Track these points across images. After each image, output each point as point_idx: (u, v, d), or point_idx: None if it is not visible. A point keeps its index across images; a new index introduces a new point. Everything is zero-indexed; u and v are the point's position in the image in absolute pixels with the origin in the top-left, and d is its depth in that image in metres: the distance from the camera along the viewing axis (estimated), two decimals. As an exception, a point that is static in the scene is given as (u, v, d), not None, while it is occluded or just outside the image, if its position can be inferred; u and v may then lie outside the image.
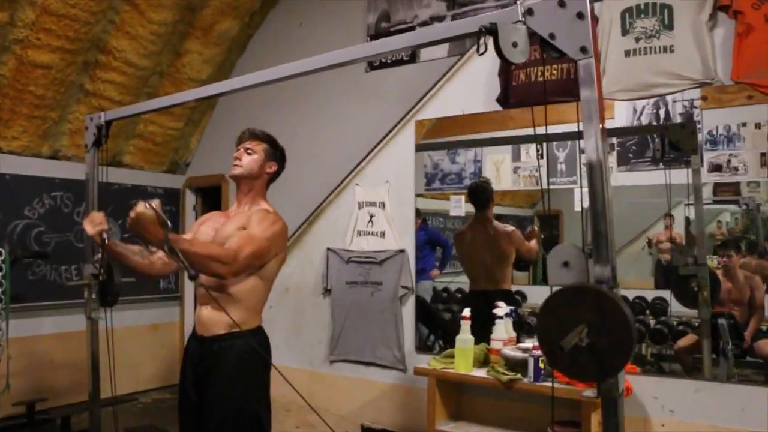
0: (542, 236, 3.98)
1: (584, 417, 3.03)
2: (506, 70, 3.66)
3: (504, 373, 3.23)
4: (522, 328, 3.74)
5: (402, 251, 4.01)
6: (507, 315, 3.51)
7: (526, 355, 3.22)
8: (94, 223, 2.62)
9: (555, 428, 3.12)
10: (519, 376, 3.21)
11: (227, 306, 2.58)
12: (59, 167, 5.79)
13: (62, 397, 5.72)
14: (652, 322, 3.62)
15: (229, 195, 6.52)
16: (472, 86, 3.82)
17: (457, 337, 3.40)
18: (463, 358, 3.37)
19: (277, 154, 2.85)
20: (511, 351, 3.32)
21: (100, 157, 3.75)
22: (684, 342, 3.47)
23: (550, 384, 3.04)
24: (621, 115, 3.58)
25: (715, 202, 3.53)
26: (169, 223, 2.18)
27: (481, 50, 1.69)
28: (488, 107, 3.77)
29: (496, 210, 4.06)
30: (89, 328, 3.64)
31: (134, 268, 2.78)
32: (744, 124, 3.29)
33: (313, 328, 4.30)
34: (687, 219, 3.57)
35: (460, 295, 4.23)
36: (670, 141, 3.56)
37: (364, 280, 4.05)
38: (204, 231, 2.77)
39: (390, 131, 4.04)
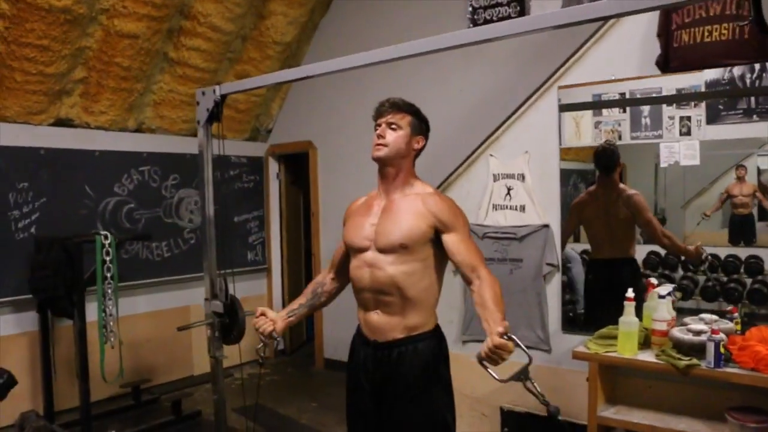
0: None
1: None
2: (667, 30, 3.29)
3: (680, 359, 2.94)
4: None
5: (546, 226, 3.69)
6: (669, 294, 3.21)
7: (703, 338, 2.92)
8: (261, 331, 2.57)
9: (734, 415, 2.85)
10: (695, 361, 2.92)
11: (405, 310, 2.35)
12: (145, 140, 5.60)
13: (162, 376, 5.64)
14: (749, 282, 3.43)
15: (318, 163, 6.27)
16: (625, 49, 3.43)
17: (621, 319, 3.11)
18: (628, 341, 3.09)
19: (423, 126, 2.49)
20: (683, 334, 3.02)
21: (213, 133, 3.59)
22: None
23: (731, 370, 2.79)
24: (710, 70, 3.25)
25: None
26: (530, 356, 1.98)
27: None
28: (643, 71, 3.38)
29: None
30: (213, 367, 3.41)
31: (319, 309, 2.89)
32: None
33: (443, 308, 4.02)
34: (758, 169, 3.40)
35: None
36: None
37: (502, 257, 3.76)
38: (357, 228, 2.46)
39: (528, 98, 3.69)
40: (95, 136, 5.21)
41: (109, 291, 4.31)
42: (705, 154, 3.40)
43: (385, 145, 2.38)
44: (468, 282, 2.28)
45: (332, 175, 6.18)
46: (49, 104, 4.83)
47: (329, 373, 6.21)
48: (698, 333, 2.98)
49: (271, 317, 2.55)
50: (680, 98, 3.41)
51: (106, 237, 4.29)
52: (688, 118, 3.43)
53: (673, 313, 3.22)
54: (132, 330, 5.19)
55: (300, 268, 7.12)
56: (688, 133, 3.43)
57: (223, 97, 3.46)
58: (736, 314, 3.19)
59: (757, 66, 3.21)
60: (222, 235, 3.35)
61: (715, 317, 3.11)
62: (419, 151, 2.48)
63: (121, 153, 5.37)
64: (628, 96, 3.55)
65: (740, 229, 3.64)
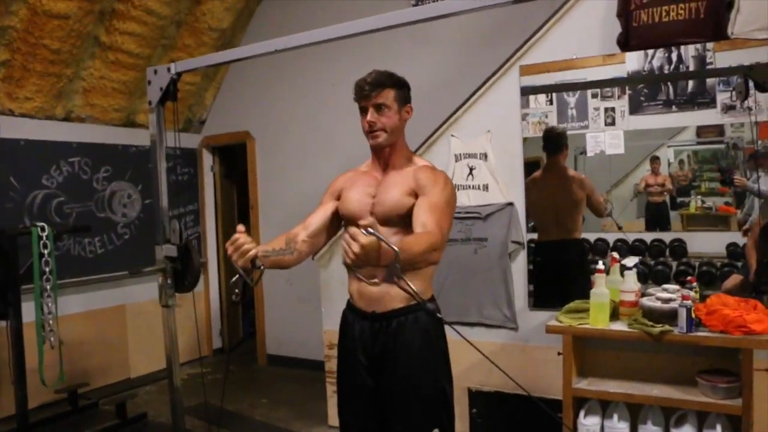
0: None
1: (744, 364, 2.85)
2: (626, 10, 3.35)
3: (653, 326, 3.01)
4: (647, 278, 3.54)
5: (510, 204, 3.69)
6: (635, 266, 3.28)
7: (674, 305, 3.00)
8: (241, 252, 2.10)
9: (704, 377, 2.94)
10: (668, 327, 2.99)
11: (406, 278, 2.28)
12: (74, 129, 5.27)
13: (98, 380, 5.33)
14: (675, 264, 3.61)
15: (256, 154, 6.10)
16: (586, 28, 3.48)
17: (593, 291, 3.14)
18: (601, 313, 3.12)
19: (407, 92, 2.40)
20: (652, 302, 3.09)
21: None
22: (730, 283, 3.36)
23: (703, 334, 2.87)
24: (632, 60, 3.45)
25: (699, 143, 3.53)
26: (397, 250, 1.77)
27: None
28: (605, 50, 3.44)
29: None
30: (165, 315, 3.28)
31: (286, 267, 2.41)
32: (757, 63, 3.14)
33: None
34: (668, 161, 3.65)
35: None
36: (755, 82, 3.35)
37: (465, 237, 3.73)
38: (356, 198, 2.38)
39: (490, 77, 3.68)
40: (20, 125, 4.85)
41: (48, 287, 4.01)
42: (628, 143, 3.58)
43: (382, 130, 2.30)
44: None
45: (272, 167, 6.02)
46: (-33, 89, 4.49)
47: (274, 368, 6.05)
48: (667, 301, 3.05)
49: (249, 240, 2.19)
50: (643, 80, 3.49)
51: (43, 229, 4.00)
52: (613, 109, 3.59)
53: (639, 285, 3.29)
54: (64, 332, 4.86)
55: (236, 264, 6.88)
56: (613, 123, 3.58)
57: (179, 74, 3.28)
58: (695, 284, 3.28)
59: (674, 57, 3.38)
60: (158, 230, 3.18)
61: (677, 287, 3.20)
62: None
63: (49, 143, 5.03)
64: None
65: (656, 217, 3.78)
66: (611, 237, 3.79)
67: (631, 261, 3.29)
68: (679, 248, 3.66)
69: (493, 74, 3.68)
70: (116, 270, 5.49)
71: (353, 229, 1.70)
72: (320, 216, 2.49)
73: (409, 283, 1.82)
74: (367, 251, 1.70)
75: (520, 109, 3.67)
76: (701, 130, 3.49)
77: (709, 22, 3.19)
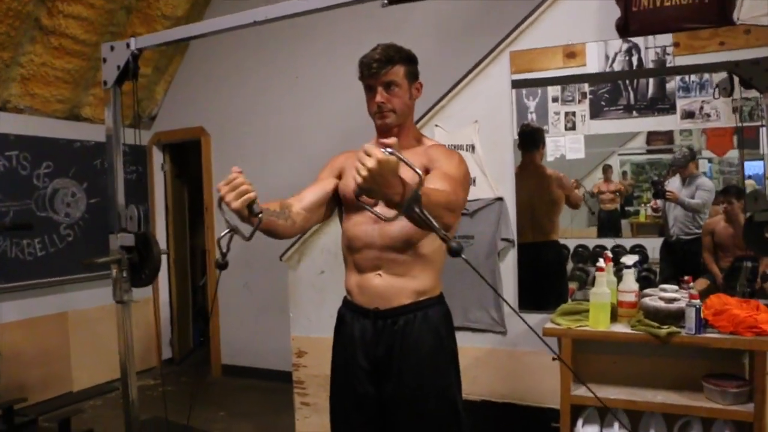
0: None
1: (757, 367, 2.69)
2: (624, -7, 3.22)
3: (659, 327, 2.82)
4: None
5: (500, 199, 3.47)
6: (634, 264, 3.10)
7: (681, 305, 2.83)
8: (239, 192, 1.70)
9: (712, 381, 2.77)
10: (675, 329, 2.81)
11: (414, 270, 2.05)
12: (12, 121, 4.83)
13: (36, 395, 4.86)
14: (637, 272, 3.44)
15: (211, 150, 5.74)
16: (581, 13, 3.32)
17: (593, 291, 2.95)
18: (602, 314, 2.92)
19: (416, 67, 2.17)
20: (656, 303, 2.91)
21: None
22: (697, 287, 3.25)
23: (713, 335, 2.71)
24: (593, 62, 3.38)
25: (649, 151, 3.57)
26: (420, 172, 1.46)
27: None
28: (602, 36, 3.28)
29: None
30: (120, 313, 2.95)
31: (278, 234, 2.01)
32: (716, 72, 3.21)
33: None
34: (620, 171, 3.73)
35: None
36: (741, 78, 3.27)
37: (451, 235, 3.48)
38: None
39: (478, 64, 3.46)
40: (-50, 113, 4.40)
41: (-17, 291, 3.58)
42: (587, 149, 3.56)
43: (392, 111, 2.06)
44: None
45: (228, 164, 5.53)
46: None
47: (229, 380, 5.68)
48: (672, 301, 2.88)
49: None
50: (634, 75, 3.35)
51: (-22, 226, 3.57)
52: (573, 114, 3.51)
53: (637, 285, 3.11)
54: (-1, 342, 4.45)
55: (186, 268, 6.50)
56: (573, 127, 3.51)
57: (140, 51, 2.96)
58: (692, 283, 3.14)
59: (635, 61, 3.29)
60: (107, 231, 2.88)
61: (676, 287, 3.04)
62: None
63: (-19, 135, 4.58)
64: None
65: (608, 224, 3.75)
66: (571, 243, 3.71)
67: (630, 259, 3.11)
68: (640, 254, 3.58)
69: (481, 61, 3.46)
70: (58, 274, 5.07)
71: (368, 145, 1.42)
72: (318, 190, 2.17)
73: (432, 221, 1.49)
74: (383, 170, 1.40)
75: (512, 97, 3.46)
76: (652, 138, 3.50)
77: (713, 7, 3.09)
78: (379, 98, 2.05)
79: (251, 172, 5.73)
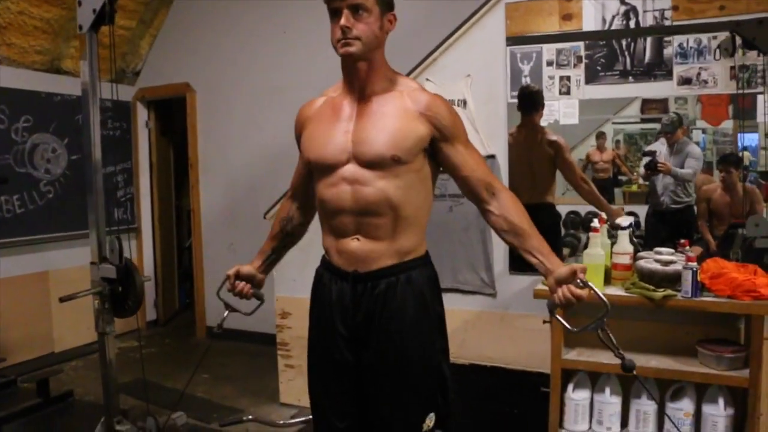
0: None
1: (754, 332, 2.61)
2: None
3: (654, 290, 2.73)
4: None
5: (492, 157, 3.35)
6: (630, 225, 3.01)
7: (677, 267, 2.73)
8: (245, 294, 2.23)
9: (707, 347, 2.69)
10: (671, 292, 2.72)
11: (396, 232, 1.87)
12: (-14, 72, 4.64)
13: (16, 355, 4.77)
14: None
15: (197, 107, 5.58)
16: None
17: (586, 252, 2.85)
18: (596, 276, 2.82)
19: None
20: (651, 265, 2.82)
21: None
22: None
23: (710, 299, 2.63)
24: (590, 25, 3.35)
25: (643, 120, 3.54)
26: (608, 304, 1.77)
27: None
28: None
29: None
30: (103, 346, 2.85)
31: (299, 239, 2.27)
32: (715, 37, 3.15)
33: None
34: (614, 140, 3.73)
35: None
36: (744, 39, 3.16)
37: (440, 193, 3.34)
38: (326, 138, 1.90)
39: (472, 16, 3.31)
40: (-77, 62, 4.22)
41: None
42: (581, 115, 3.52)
43: (357, 38, 1.80)
44: (481, 201, 1.88)
45: (214, 121, 5.51)
46: None
47: (214, 342, 5.57)
48: (668, 263, 2.79)
49: (245, 273, 2.22)
50: (632, 33, 3.27)
51: (-50, 179, 3.43)
52: (568, 78, 3.44)
53: (631, 248, 3.02)
54: (-23, 300, 4.33)
55: (171, 227, 6.39)
56: (568, 92, 3.44)
57: (114, -8, 2.79)
58: (688, 247, 3.05)
59: (632, 24, 3.24)
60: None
61: (672, 250, 2.95)
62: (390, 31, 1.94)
63: (-44, 86, 4.41)
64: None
65: (601, 192, 3.65)
66: (563, 209, 3.68)
67: (625, 221, 3.02)
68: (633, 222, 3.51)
69: (476, 12, 3.31)
70: (39, 233, 4.95)
71: (580, 292, 1.75)
72: (299, 173, 2.11)
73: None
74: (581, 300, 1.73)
75: (506, 51, 3.32)
76: (646, 106, 3.46)
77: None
78: (343, 21, 1.79)
79: (238, 130, 5.63)
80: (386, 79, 1.91)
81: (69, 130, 5.15)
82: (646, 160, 3.42)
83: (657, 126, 3.45)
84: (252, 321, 5.29)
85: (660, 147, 3.41)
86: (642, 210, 3.58)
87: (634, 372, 1.80)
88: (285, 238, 2.20)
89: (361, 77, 1.88)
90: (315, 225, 2.08)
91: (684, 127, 3.36)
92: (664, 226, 3.49)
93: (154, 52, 5.82)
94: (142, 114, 5.95)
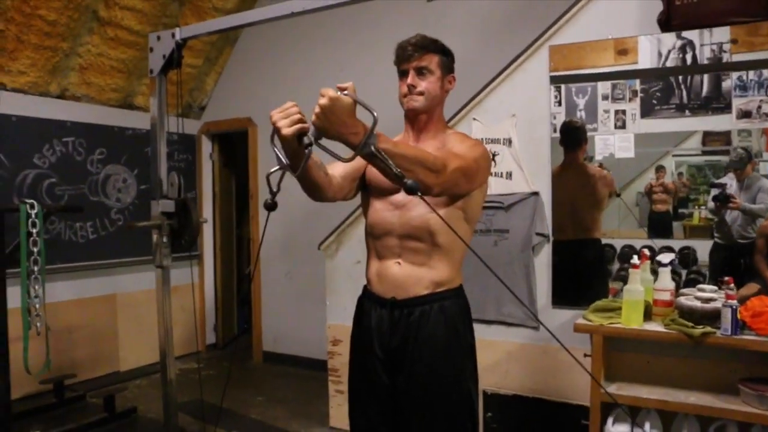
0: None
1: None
2: (668, -13, 3.15)
3: (693, 327, 2.77)
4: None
5: (535, 194, 3.46)
6: (671, 262, 3.05)
7: (717, 305, 2.77)
8: (291, 119, 1.62)
9: (749, 386, 2.70)
10: (710, 329, 2.76)
11: (433, 260, 2.05)
12: (69, 108, 5.01)
13: (85, 372, 5.05)
14: (685, 273, 3.46)
15: (258, 140, 5.85)
16: (622, 7, 3.29)
17: (626, 287, 2.92)
18: (634, 312, 2.89)
19: (451, 62, 2.17)
20: (692, 302, 2.86)
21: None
22: (746, 291, 3.09)
23: (750, 337, 2.64)
24: (645, 60, 3.32)
25: (704, 152, 3.43)
26: (374, 112, 1.50)
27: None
28: (642, 30, 3.24)
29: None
30: (159, 278, 3.08)
31: (317, 187, 1.97)
32: None
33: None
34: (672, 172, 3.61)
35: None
36: None
37: (486, 228, 3.49)
38: None
39: (517, 58, 3.45)
40: (13, 100, 4.58)
41: (36, 269, 3.73)
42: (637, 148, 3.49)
43: (421, 94, 2.06)
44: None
45: (274, 155, 5.74)
46: (-42, 60, 4.22)
47: (270, 366, 5.79)
48: (708, 300, 2.83)
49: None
50: (684, 71, 3.26)
51: (32, 206, 3.72)
52: (623, 112, 3.45)
53: (672, 284, 3.06)
54: (52, 320, 4.59)
55: (232, 256, 6.65)
56: (623, 126, 3.45)
57: (184, 41, 3.05)
58: (732, 284, 3.06)
59: (689, 59, 3.22)
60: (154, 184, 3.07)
61: (713, 287, 2.97)
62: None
63: (42, 120, 4.77)
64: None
65: (659, 226, 3.65)
66: (618, 243, 3.62)
67: (666, 257, 3.05)
68: (688, 256, 3.51)
69: (520, 55, 3.45)
70: (108, 257, 5.25)
71: (324, 88, 1.50)
72: (345, 166, 2.11)
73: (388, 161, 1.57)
74: (336, 107, 1.49)
75: (551, 93, 3.43)
76: (708, 138, 3.38)
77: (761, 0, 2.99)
78: (410, 80, 2.06)
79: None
80: (439, 130, 2.16)
81: (139, 161, 5.48)
82: (714, 192, 3.36)
83: (722, 158, 3.38)
84: (304, 347, 5.52)
85: (729, 181, 3.35)
86: (700, 244, 3.51)
87: (419, 194, 1.54)
88: (320, 167, 1.98)
89: (420, 126, 2.14)
90: (364, 261, 2.23)
91: (753, 162, 3.28)
92: (730, 261, 3.43)
93: (218, 88, 6.14)
94: (206, 146, 6.27)
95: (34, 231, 3.69)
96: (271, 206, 1.63)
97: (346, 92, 1.52)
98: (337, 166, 2.10)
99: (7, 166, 4.53)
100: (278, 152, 1.68)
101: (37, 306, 3.75)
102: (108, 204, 5.28)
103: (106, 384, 4.93)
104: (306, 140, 1.60)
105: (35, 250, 3.70)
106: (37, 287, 3.73)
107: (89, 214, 5.08)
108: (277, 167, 1.68)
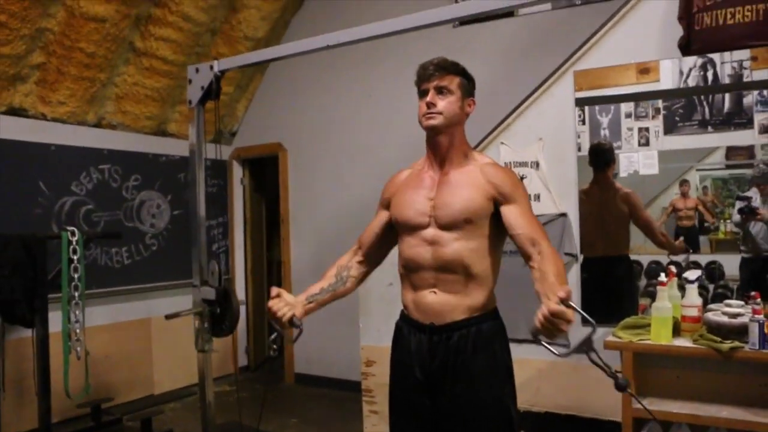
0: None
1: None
2: (688, 13, 3.20)
3: (721, 342, 2.80)
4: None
5: (563, 215, 3.52)
6: (697, 279, 3.08)
7: (744, 320, 2.80)
8: (281, 314, 2.14)
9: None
10: (738, 344, 2.78)
11: (468, 288, 2.11)
12: (105, 136, 5.19)
13: (121, 395, 5.15)
14: (712, 288, 3.48)
15: (288, 165, 5.97)
16: (644, 32, 3.36)
17: (655, 305, 2.96)
18: (663, 328, 2.92)
19: (472, 86, 2.22)
20: (719, 317, 2.88)
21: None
22: None
23: (778, 351, 2.67)
24: (667, 78, 3.35)
25: (728, 167, 3.45)
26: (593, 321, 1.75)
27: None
28: (663, 55, 3.30)
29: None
30: (200, 360, 3.13)
31: (343, 296, 2.36)
32: None
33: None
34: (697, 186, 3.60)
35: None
36: None
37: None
38: (411, 202, 2.18)
39: (543, 83, 3.54)
40: (51, 129, 4.77)
41: (76, 295, 3.86)
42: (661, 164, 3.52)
43: (439, 113, 2.11)
44: (527, 257, 2.06)
45: (304, 179, 5.88)
46: (1, 90, 4.39)
47: (302, 388, 5.85)
48: (735, 316, 2.85)
49: (289, 301, 2.18)
50: (706, 91, 3.31)
51: (73, 234, 3.86)
52: (647, 129, 3.49)
53: (701, 299, 3.08)
54: (89, 344, 4.71)
55: (262, 278, 6.75)
56: (647, 143, 3.48)
57: (222, 72, 3.17)
58: (759, 299, 3.08)
59: (710, 76, 3.25)
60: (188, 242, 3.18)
61: (740, 302, 2.99)
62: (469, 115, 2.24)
63: (79, 149, 4.94)
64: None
65: (685, 240, 3.63)
66: (645, 259, 3.64)
67: (693, 274, 3.07)
68: (715, 270, 3.52)
69: (546, 80, 3.53)
70: (143, 282, 5.38)
71: (559, 309, 1.68)
72: (373, 230, 2.34)
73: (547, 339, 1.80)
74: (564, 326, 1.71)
75: (576, 116, 3.50)
76: (731, 153, 3.40)
77: (778, 24, 3.04)
78: (429, 98, 2.11)
79: (325, 187, 5.93)
80: (463, 155, 2.19)
81: (172, 187, 5.63)
82: (739, 204, 3.36)
83: (746, 171, 3.40)
84: (336, 368, 5.58)
85: (753, 195, 3.36)
86: (730, 259, 3.52)
87: (629, 390, 1.78)
88: (336, 283, 2.30)
89: (442, 152, 2.18)
90: (396, 283, 2.31)
91: (777, 176, 3.31)
92: (756, 275, 3.42)
93: (249, 115, 6.30)
94: (237, 172, 6.42)
95: (75, 258, 3.82)
96: (272, 359, 2.13)
97: (567, 302, 1.70)
98: (366, 237, 2.35)
99: (47, 194, 4.70)
100: (274, 324, 2.19)
101: (78, 331, 3.86)
102: (142, 229, 5.42)
103: (140, 407, 5.02)
104: (296, 322, 2.17)
105: (76, 276, 3.83)
106: (77, 312, 3.85)
107: (125, 240, 5.22)
108: (275, 335, 2.22)
